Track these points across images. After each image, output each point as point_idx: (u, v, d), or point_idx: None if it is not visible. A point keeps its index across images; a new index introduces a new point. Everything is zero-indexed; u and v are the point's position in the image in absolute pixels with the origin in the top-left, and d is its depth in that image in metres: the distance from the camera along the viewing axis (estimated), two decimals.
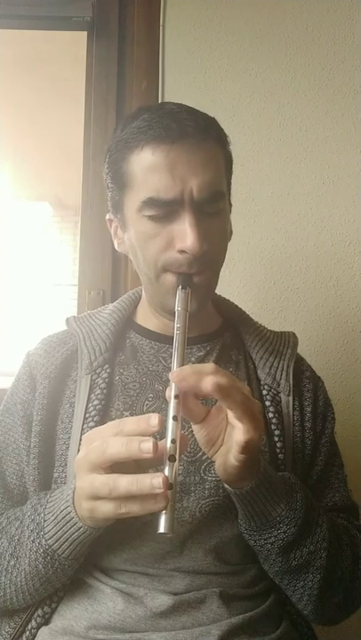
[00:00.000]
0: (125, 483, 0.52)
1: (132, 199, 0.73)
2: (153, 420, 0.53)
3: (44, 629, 0.69)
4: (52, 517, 0.63)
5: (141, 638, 0.64)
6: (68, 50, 1.74)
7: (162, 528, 0.51)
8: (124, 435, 0.54)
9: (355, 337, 1.29)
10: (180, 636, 0.64)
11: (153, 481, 0.51)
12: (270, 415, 0.77)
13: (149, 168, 0.70)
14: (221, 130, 0.76)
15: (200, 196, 0.70)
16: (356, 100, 1.32)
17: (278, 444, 0.75)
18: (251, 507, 0.64)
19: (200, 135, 0.69)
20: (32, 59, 2.09)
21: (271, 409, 0.77)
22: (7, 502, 0.76)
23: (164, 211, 0.70)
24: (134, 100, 1.31)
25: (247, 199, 1.29)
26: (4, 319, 4.08)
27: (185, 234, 0.69)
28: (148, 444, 0.51)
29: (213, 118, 0.75)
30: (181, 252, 0.70)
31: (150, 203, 0.70)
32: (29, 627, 0.70)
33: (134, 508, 0.53)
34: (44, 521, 0.63)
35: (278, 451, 0.75)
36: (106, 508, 0.55)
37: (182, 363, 0.62)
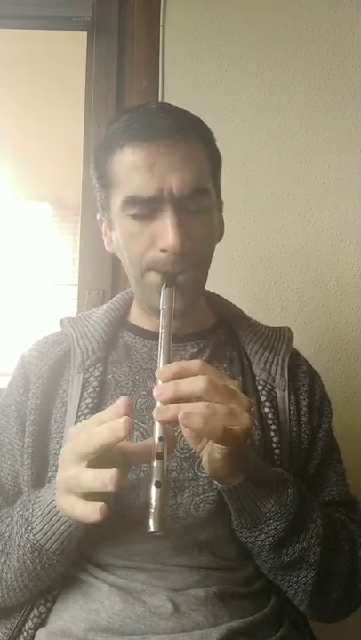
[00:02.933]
0: (89, 476, 0.54)
1: (116, 198, 0.73)
2: (121, 402, 0.55)
3: (41, 631, 0.69)
4: (40, 512, 0.63)
5: None
6: (68, 49, 1.74)
7: (151, 527, 0.51)
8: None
9: (355, 337, 1.29)
10: (180, 639, 0.64)
11: (106, 475, 0.52)
12: (266, 410, 0.77)
13: (129, 167, 0.70)
14: (205, 127, 0.76)
15: (180, 192, 0.70)
16: (357, 99, 1.32)
17: (275, 439, 0.75)
18: (240, 502, 0.64)
19: (179, 133, 0.70)
20: (32, 58, 2.10)
21: (267, 404, 0.77)
22: (2, 503, 0.76)
23: (146, 209, 0.70)
24: (134, 99, 1.31)
25: (247, 199, 1.29)
26: (3, 319, 4.09)
27: (166, 232, 0.69)
28: (123, 420, 0.53)
29: (196, 116, 0.76)
30: (163, 250, 0.70)
31: (131, 201, 0.70)
32: (26, 627, 0.70)
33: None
34: (32, 516, 0.64)
35: (275, 446, 0.75)
36: (81, 508, 0.55)
37: (168, 360, 0.62)
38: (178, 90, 1.31)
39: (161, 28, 1.32)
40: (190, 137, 0.71)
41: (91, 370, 0.77)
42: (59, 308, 3.75)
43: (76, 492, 0.56)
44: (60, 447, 0.73)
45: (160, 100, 1.29)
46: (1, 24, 1.38)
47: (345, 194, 1.31)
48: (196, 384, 0.55)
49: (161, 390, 0.56)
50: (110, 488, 0.52)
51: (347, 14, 1.34)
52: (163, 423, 0.56)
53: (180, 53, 1.32)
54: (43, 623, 0.70)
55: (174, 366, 0.57)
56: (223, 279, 1.25)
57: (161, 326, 0.66)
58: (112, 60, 1.33)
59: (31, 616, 0.70)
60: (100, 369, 0.78)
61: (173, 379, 0.56)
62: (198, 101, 1.27)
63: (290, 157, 1.31)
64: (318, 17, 1.34)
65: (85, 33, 1.35)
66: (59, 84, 2.28)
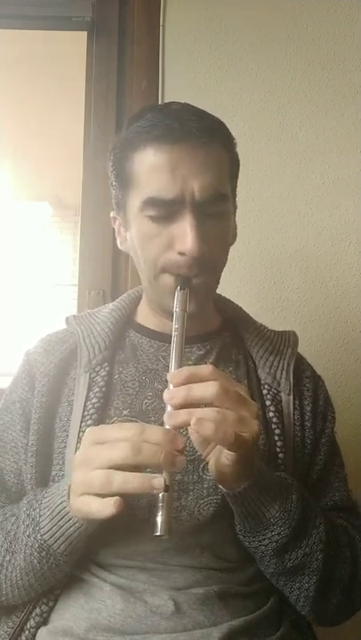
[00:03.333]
0: (121, 479, 0.54)
1: (134, 198, 0.73)
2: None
3: (42, 630, 0.69)
4: (48, 512, 0.63)
5: None
6: (68, 49, 1.74)
7: (158, 530, 0.51)
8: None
9: (355, 337, 1.29)
10: (181, 638, 0.64)
11: (153, 481, 0.52)
12: (271, 414, 0.77)
13: (151, 168, 0.70)
14: (227, 132, 0.76)
15: (201, 197, 0.69)
16: (357, 99, 1.32)
17: (278, 444, 0.75)
18: (244, 507, 0.64)
19: (204, 136, 0.69)
20: (32, 58, 2.10)
21: (272, 408, 0.77)
22: (5, 500, 0.76)
23: (165, 211, 0.70)
24: (134, 99, 1.31)
25: (247, 199, 1.29)
26: (4, 319, 4.09)
27: (185, 235, 0.69)
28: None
29: (220, 120, 0.75)
30: (181, 253, 0.70)
31: (151, 202, 0.70)
32: (28, 626, 0.70)
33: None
34: (40, 516, 0.64)
35: (279, 450, 0.75)
36: (98, 504, 0.56)
37: (180, 364, 0.62)
38: (178, 90, 1.31)
39: (161, 27, 1.32)
40: (214, 141, 0.71)
41: (97, 369, 0.77)
42: (59, 308, 3.74)
43: (99, 492, 0.55)
44: (65, 446, 0.73)
45: (160, 101, 1.29)
46: (1, 24, 1.38)
47: (345, 194, 1.31)
48: (207, 390, 0.55)
49: (172, 395, 0.56)
50: (157, 492, 0.52)
51: (347, 14, 1.34)
52: (174, 428, 0.56)
53: (180, 53, 1.32)
54: (44, 622, 0.70)
55: (185, 371, 0.57)
56: (223, 279, 1.23)
57: (174, 329, 0.66)
58: (112, 60, 1.33)
59: (33, 615, 0.70)
60: (107, 368, 0.77)
61: (184, 383, 0.56)
62: (198, 101, 1.26)
63: (290, 157, 1.31)
64: (318, 17, 1.34)
65: (85, 33, 1.35)
66: (59, 83, 2.28)
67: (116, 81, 1.32)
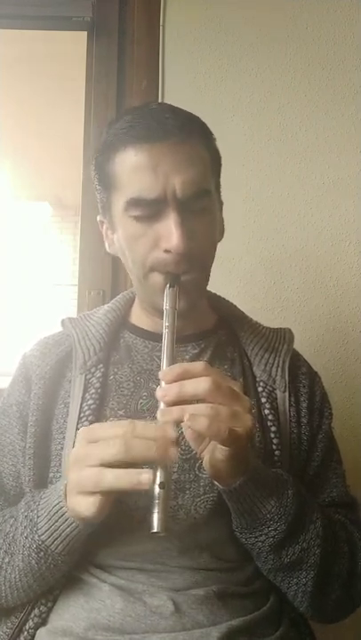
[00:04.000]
0: (112, 476, 0.54)
1: (118, 200, 0.73)
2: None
3: (42, 630, 0.69)
4: (45, 513, 0.63)
5: None
6: (68, 49, 1.74)
7: (155, 527, 0.51)
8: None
9: (355, 337, 1.29)
10: (180, 637, 0.64)
11: (142, 476, 0.52)
12: (266, 412, 0.77)
13: (132, 168, 0.70)
14: (206, 127, 0.76)
15: (184, 194, 0.70)
16: (357, 99, 1.32)
17: (275, 441, 0.75)
18: (240, 504, 0.64)
19: (182, 134, 0.70)
20: (32, 58, 2.10)
21: (267, 405, 0.77)
22: (4, 503, 0.76)
23: (149, 210, 0.70)
24: (134, 99, 1.31)
25: (247, 199, 1.29)
26: (3, 319, 4.09)
27: (170, 233, 0.69)
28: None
29: (197, 117, 0.75)
30: (167, 251, 0.70)
31: (134, 203, 0.70)
32: (27, 627, 0.70)
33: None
34: (37, 517, 0.64)
35: (275, 447, 0.75)
36: (85, 503, 0.57)
37: (172, 361, 0.62)
38: (178, 90, 1.31)
39: (161, 27, 1.32)
40: (193, 137, 0.72)
41: (92, 371, 0.77)
42: (59, 308, 3.75)
43: (92, 490, 0.56)
44: (62, 448, 0.73)
45: (160, 100, 1.29)
46: (1, 24, 1.38)
47: (345, 194, 1.31)
48: (199, 385, 0.55)
49: (165, 392, 0.56)
50: (146, 487, 0.52)
51: (347, 14, 1.34)
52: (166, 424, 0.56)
53: (180, 53, 1.32)
54: (43, 622, 0.70)
55: (178, 368, 0.57)
56: (223, 279, 1.25)
57: (164, 327, 0.66)
58: (112, 60, 1.33)
59: (32, 615, 0.70)
60: (102, 370, 0.78)
61: (177, 380, 0.56)
62: (198, 101, 1.27)
63: (290, 157, 1.31)
64: (318, 17, 1.34)
65: (85, 33, 1.35)
66: (59, 84, 2.28)
67: (116, 81, 1.33)
